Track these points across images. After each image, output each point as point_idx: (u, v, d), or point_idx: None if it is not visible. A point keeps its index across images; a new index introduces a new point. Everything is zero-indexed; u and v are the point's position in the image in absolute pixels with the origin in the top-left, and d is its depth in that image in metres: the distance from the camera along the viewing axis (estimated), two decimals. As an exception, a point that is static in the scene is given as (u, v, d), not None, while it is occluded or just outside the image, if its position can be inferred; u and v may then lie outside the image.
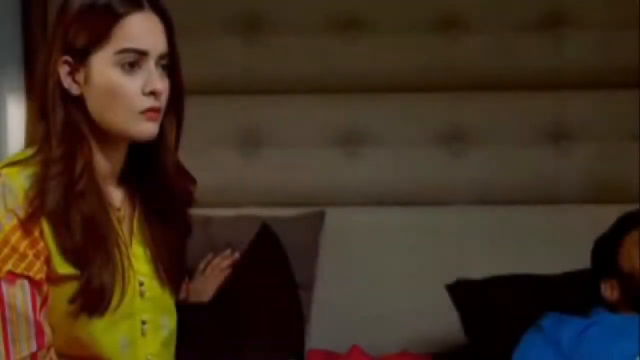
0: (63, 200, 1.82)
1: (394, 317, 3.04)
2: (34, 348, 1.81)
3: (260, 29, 3.15)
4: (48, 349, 1.83)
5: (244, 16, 3.15)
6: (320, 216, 3.05)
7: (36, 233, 1.82)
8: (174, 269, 1.99)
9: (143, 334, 1.94)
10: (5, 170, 1.84)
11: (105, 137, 1.89)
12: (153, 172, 1.95)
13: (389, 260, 3.09)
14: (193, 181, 2.00)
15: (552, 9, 3.13)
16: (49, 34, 1.92)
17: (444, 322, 2.91)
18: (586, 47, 3.12)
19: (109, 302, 1.86)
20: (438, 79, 3.15)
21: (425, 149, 3.15)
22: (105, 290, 1.85)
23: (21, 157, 1.88)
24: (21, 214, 1.81)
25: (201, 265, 2.80)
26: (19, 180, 1.83)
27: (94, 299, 1.84)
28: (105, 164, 1.92)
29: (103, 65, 1.85)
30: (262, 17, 3.15)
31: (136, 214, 1.97)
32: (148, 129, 1.88)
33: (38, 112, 1.89)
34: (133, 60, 1.85)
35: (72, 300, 1.84)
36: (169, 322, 1.99)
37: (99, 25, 1.84)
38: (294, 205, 3.07)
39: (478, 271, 2.87)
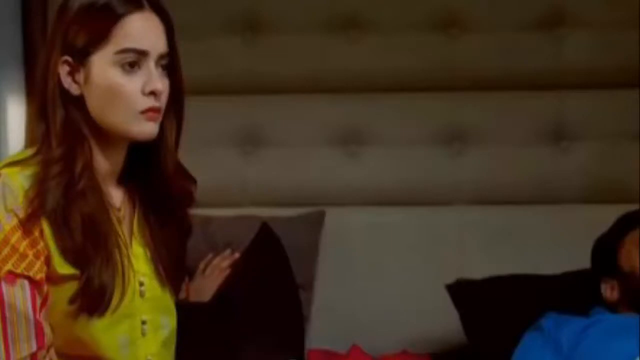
0: (63, 200, 1.83)
1: (394, 317, 3.04)
2: (34, 348, 1.81)
3: (260, 29, 3.15)
4: (48, 349, 1.83)
5: (244, 16, 3.15)
6: (320, 216, 3.04)
7: (36, 233, 1.82)
8: (174, 269, 2.00)
9: (143, 334, 1.94)
10: (5, 170, 1.84)
11: (105, 137, 1.90)
12: (153, 172, 1.95)
13: (389, 260, 3.08)
14: (193, 181, 2.01)
15: (552, 9, 3.13)
16: (49, 34, 1.92)
17: (444, 322, 2.90)
18: (586, 47, 3.12)
19: (109, 302, 1.86)
20: (438, 79, 3.14)
21: (425, 148, 3.15)
22: (105, 290, 1.85)
23: (21, 157, 1.88)
24: (21, 214, 1.81)
25: (201, 265, 2.79)
26: (19, 180, 1.83)
27: (94, 299, 1.85)
28: (105, 164, 1.92)
29: (103, 65, 1.85)
30: (262, 17, 3.15)
31: (136, 214, 1.97)
32: (148, 128, 1.88)
33: (38, 112, 1.89)
34: (133, 60, 1.86)
35: (72, 301, 1.84)
36: (169, 322, 2.00)
37: (99, 25, 1.84)
38: (294, 205, 3.07)
39: (478, 271, 2.87)
